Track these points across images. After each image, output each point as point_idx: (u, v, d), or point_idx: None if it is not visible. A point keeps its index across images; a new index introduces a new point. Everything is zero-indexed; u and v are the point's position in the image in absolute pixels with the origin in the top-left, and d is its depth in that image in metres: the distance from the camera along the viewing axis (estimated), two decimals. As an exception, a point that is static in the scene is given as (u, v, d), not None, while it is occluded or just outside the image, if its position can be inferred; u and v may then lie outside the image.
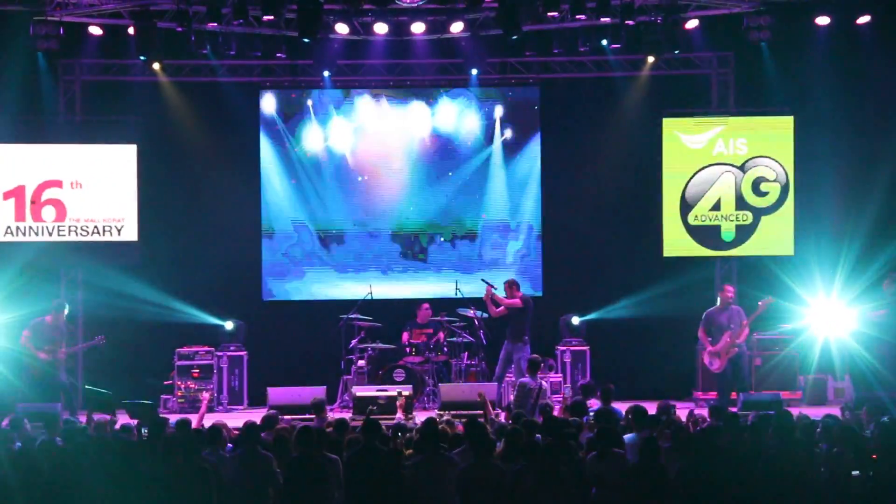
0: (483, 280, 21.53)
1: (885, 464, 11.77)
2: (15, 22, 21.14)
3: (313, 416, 16.16)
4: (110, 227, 22.47)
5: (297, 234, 23.95)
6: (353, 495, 11.70)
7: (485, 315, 21.61)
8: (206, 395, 19.62)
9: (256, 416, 15.74)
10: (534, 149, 23.95)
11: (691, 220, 22.86)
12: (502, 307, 21.00)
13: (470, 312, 21.85)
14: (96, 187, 22.47)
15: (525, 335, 20.77)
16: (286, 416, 16.84)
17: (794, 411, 14.98)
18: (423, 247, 24.00)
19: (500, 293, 21.13)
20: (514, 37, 21.14)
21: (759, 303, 20.67)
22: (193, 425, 14.32)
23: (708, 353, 20.50)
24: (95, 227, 22.44)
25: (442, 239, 23.98)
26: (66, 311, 20.66)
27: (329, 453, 12.24)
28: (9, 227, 22.26)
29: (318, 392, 19.64)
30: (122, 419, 16.20)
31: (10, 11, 20.95)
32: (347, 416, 18.07)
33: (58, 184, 22.41)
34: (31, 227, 22.31)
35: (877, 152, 22.27)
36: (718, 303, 20.69)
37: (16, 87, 22.46)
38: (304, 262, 23.96)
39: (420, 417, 17.34)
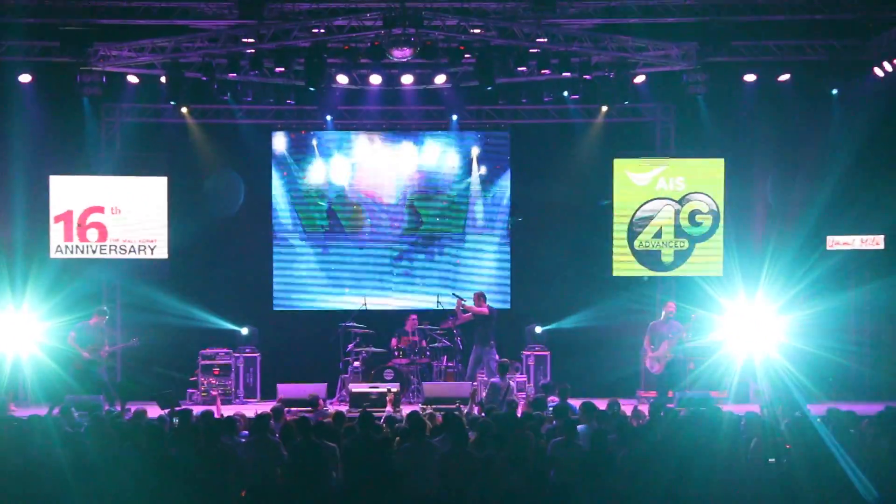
0: (454, 294, 21.77)
1: (796, 452, 11.90)
2: (65, 71, 21.14)
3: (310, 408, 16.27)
4: (144, 246, 22.55)
5: (301, 254, 24.00)
6: (351, 475, 11.78)
7: (457, 323, 21.75)
8: (215, 392, 19.88)
9: (267, 408, 15.80)
10: (505, 183, 24.05)
11: (637, 245, 22.98)
12: (469, 314, 21.14)
13: (448, 324, 21.98)
14: (133, 213, 22.57)
15: (491, 340, 20.91)
16: (293, 409, 16.94)
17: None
18: (410, 265, 24.06)
19: (470, 303, 21.30)
20: (489, 88, 21.26)
21: (692, 316, 20.94)
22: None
23: (650, 357, 20.68)
24: (132, 246, 22.53)
25: (425, 258, 24.05)
26: (107, 317, 20.76)
27: (328, 441, 12.37)
28: (59, 245, 22.34)
29: (319, 388, 19.77)
30: (153, 411, 16.28)
31: (61, 62, 20.96)
32: (344, 409, 18.15)
33: (100, 210, 22.51)
34: (77, 246, 22.39)
35: (793, 189, 22.41)
36: (662, 316, 20.87)
37: (65, 127, 22.58)
38: (308, 278, 24.01)
39: (406, 410, 17.40)
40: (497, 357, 20.15)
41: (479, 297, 21.33)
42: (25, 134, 22.04)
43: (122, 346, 21.27)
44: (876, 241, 22.52)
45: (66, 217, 22.43)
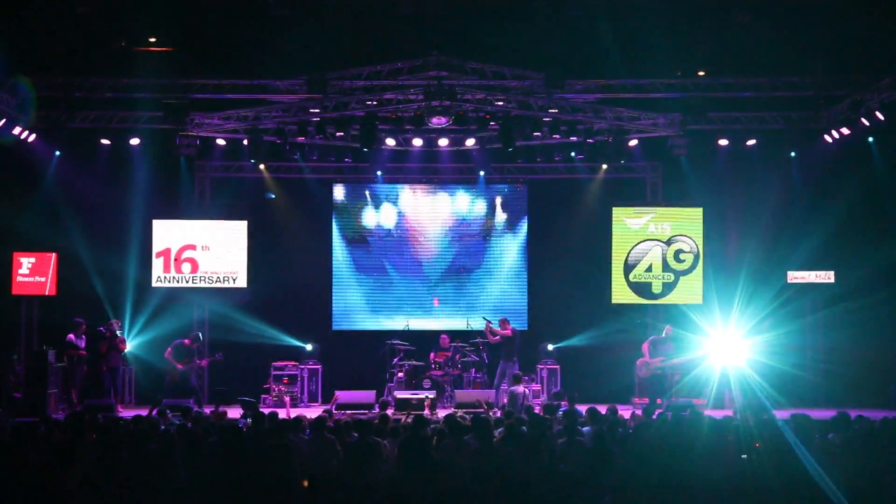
0: (483, 318, 21.58)
1: (764, 449, 11.71)
2: (165, 136, 21.35)
3: (366, 411, 16.10)
4: (228, 277, 22.48)
5: (354, 284, 23.91)
6: (405, 465, 11.62)
7: (485, 341, 21.59)
8: (287, 398, 19.85)
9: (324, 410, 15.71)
10: (523, 227, 23.94)
11: (631, 278, 22.79)
12: (498, 336, 20.98)
13: (478, 340, 21.88)
14: (219, 250, 22.51)
15: (514, 356, 20.71)
16: (348, 411, 16.84)
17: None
18: (445, 294, 23.92)
19: (496, 327, 21.15)
20: (510, 149, 21.24)
21: (667, 327, 20.93)
22: (282, 416, 14.33)
23: (644, 362, 20.62)
24: (218, 277, 22.45)
25: (457, 288, 23.93)
26: (200, 342, 20.96)
27: (377, 437, 12.24)
28: (159, 276, 22.30)
29: (369, 395, 19.68)
30: (232, 413, 16.22)
31: (162, 129, 21.09)
32: (389, 411, 17.98)
33: (192, 247, 22.45)
34: (174, 277, 22.35)
35: (758, 232, 22.24)
36: (663, 334, 20.94)
37: (165, 180, 22.71)
38: (360, 303, 23.91)
39: (441, 413, 17.27)
40: (518, 370, 19.97)
41: (504, 322, 21.16)
42: (134, 186, 22.17)
43: (210, 360, 21.24)
44: (828, 276, 22.29)
45: (165, 253, 22.39)
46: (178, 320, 21.86)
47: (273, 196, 23.58)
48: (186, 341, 20.54)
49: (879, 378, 21.19)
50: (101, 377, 20.61)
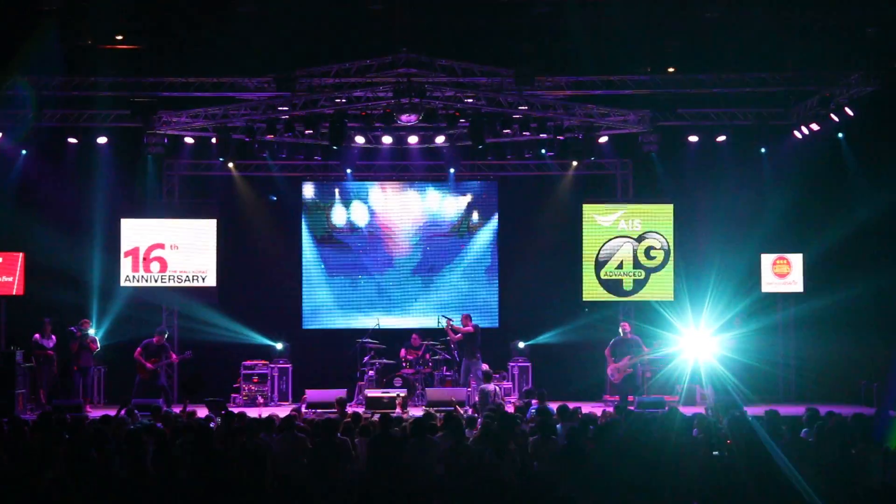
0: (442, 316, 21.58)
1: (735, 446, 11.73)
2: (133, 134, 21.26)
3: (336, 410, 15.97)
4: (197, 276, 22.35)
5: (324, 282, 23.81)
6: (374, 465, 11.56)
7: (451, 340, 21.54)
8: (261, 398, 19.77)
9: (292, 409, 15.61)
10: (493, 224, 23.85)
11: (602, 275, 22.76)
12: (459, 335, 20.95)
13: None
14: (187, 249, 22.39)
15: (477, 353, 20.66)
16: (318, 410, 16.77)
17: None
18: (415, 291, 23.86)
19: (457, 324, 21.12)
20: (480, 146, 21.16)
21: (623, 324, 21.02)
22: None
23: (612, 367, 20.47)
24: (187, 276, 22.32)
25: (428, 285, 23.85)
26: (166, 335, 20.79)
27: (345, 436, 12.17)
28: (127, 276, 22.15)
29: (340, 393, 19.54)
30: (202, 412, 16.10)
31: (130, 127, 20.98)
32: (360, 410, 17.92)
33: (161, 246, 22.32)
34: (142, 276, 22.20)
35: (728, 229, 22.28)
36: (620, 334, 20.67)
37: (133, 179, 22.63)
38: (331, 302, 23.82)
39: (413, 412, 17.21)
40: (484, 366, 19.92)
41: (466, 318, 21.17)
42: (101, 184, 22.04)
43: (179, 358, 21.09)
44: (796, 283, 22.41)
45: (133, 252, 22.22)
46: (148, 319, 21.63)
47: (275, 199, 23.50)
48: (154, 339, 20.40)
49: (849, 374, 21.26)
50: (71, 377, 20.47)
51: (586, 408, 15.68)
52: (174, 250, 22.35)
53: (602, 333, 21.81)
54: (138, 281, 22.23)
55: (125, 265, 22.17)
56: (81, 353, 20.40)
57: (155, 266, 22.24)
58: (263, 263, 23.47)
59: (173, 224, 22.50)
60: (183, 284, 22.37)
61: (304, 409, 17.28)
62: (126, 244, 22.21)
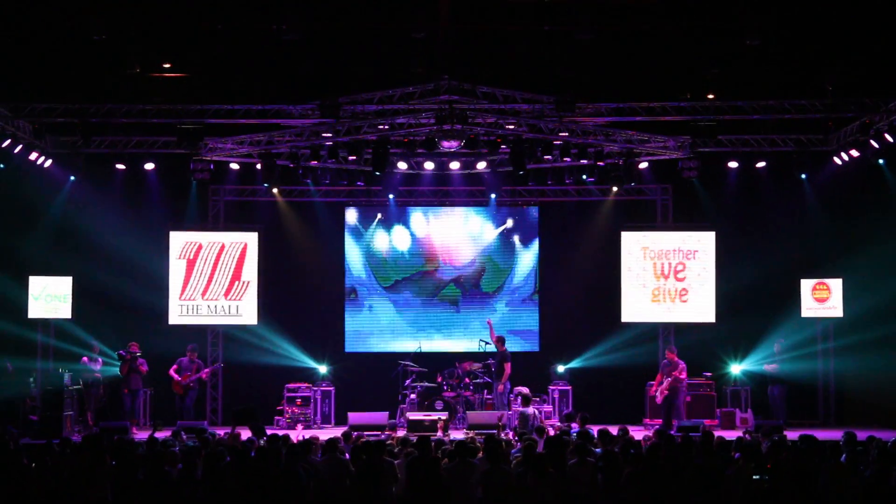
0: (482, 340, 21.99)
1: (775, 470, 11.67)
2: (179, 161, 21.49)
3: (379, 432, 16.02)
4: (235, 300, 22.71)
5: (367, 307, 23.92)
6: (412, 487, 11.60)
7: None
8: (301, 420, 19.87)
9: (339, 432, 15.64)
10: (534, 248, 23.91)
11: (643, 298, 22.74)
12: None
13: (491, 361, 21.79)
14: (230, 271, 22.72)
15: (502, 375, 20.81)
16: (362, 432, 16.81)
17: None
18: (457, 315, 23.92)
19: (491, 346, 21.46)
20: (521, 172, 21.19)
21: (667, 351, 20.79)
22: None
23: (656, 388, 20.40)
24: (227, 308, 22.70)
25: (469, 310, 23.89)
26: (197, 352, 21.34)
27: (388, 458, 12.22)
28: (177, 309, 22.57)
29: (382, 417, 19.65)
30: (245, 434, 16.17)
31: (176, 154, 21.20)
32: (403, 433, 17.95)
33: (207, 265, 22.69)
34: (190, 307, 22.61)
35: (769, 254, 22.19)
36: (667, 358, 20.57)
37: (177, 206, 22.89)
38: (372, 326, 23.90)
39: (454, 435, 17.23)
40: (524, 390, 19.96)
41: (500, 340, 21.30)
42: (149, 209, 22.56)
43: (210, 370, 21.40)
44: (836, 309, 22.27)
45: (179, 271, 22.64)
46: (192, 340, 21.80)
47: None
48: (187, 357, 20.87)
49: (890, 399, 21.05)
50: (121, 400, 20.72)
51: (626, 432, 15.63)
52: (218, 271, 22.62)
53: (641, 357, 21.74)
54: (187, 312, 22.49)
55: (174, 284, 22.43)
56: (131, 375, 20.66)
57: (201, 284, 22.53)
58: (309, 288, 23.64)
59: (218, 246, 22.74)
60: (227, 322, 22.74)
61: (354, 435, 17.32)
62: (175, 266, 22.53)
